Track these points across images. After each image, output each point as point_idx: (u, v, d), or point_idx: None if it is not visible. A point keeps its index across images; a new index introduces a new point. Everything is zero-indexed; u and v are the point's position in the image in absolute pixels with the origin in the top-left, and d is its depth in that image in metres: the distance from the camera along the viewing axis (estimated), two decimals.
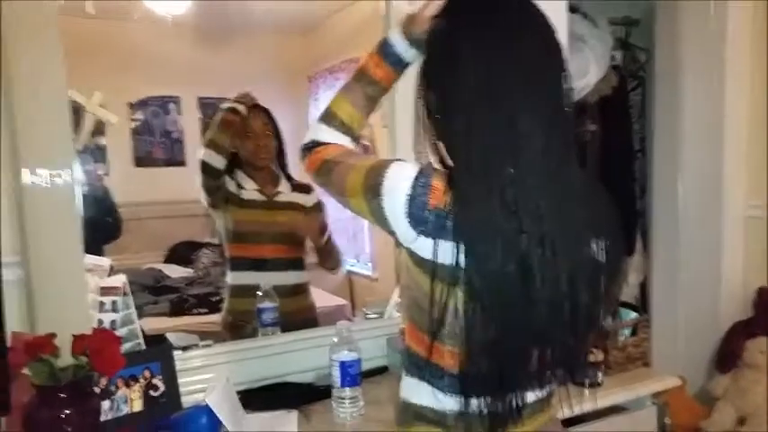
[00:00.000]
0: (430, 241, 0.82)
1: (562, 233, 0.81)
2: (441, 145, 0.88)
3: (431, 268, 0.83)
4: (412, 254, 0.86)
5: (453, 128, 0.84)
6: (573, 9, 2.17)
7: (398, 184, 0.84)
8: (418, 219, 0.82)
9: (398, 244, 0.88)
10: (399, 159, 0.89)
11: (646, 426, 1.65)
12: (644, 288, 2.56)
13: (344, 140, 1.02)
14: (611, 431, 1.55)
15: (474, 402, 0.85)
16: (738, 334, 2.00)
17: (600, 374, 1.56)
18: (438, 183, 0.83)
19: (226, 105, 1.92)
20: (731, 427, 1.91)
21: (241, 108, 1.92)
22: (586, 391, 1.51)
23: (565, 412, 0.96)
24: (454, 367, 0.86)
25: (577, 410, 0.98)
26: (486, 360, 0.82)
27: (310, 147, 1.02)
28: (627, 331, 1.69)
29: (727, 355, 2.00)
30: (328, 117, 1.04)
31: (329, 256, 2.09)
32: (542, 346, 0.85)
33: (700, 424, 1.96)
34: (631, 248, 2.49)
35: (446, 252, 0.81)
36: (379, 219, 0.87)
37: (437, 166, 0.88)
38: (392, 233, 0.87)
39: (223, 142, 1.87)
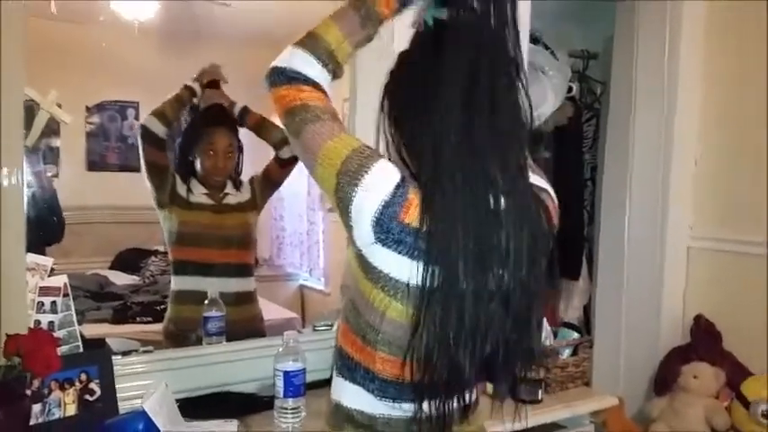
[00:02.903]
0: (385, 251, 0.81)
1: (519, 255, 0.83)
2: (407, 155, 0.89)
3: (377, 276, 0.83)
4: (360, 256, 0.85)
5: (424, 140, 0.83)
6: (534, 40, 2.26)
7: (379, 185, 0.81)
8: (383, 227, 0.80)
9: (350, 240, 0.85)
10: (383, 156, 0.86)
11: None
12: (587, 311, 2.64)
13: (324, 78, 0.88)
14: None
15: (405, 406, 0.87)
16: (675, 359, 2.07)
17: (540, 392, 1.59)
18: (413, 196, 0.81)
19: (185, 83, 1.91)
20: None
21: (196, 87, 1.91)
22: (526, 408, 1.54)
23: (506, 427, 0.98)
24: (384, 372, 0.87)
25: (516, 427, 0.99)
26: (429, 371, 0.82)
27: (288, 74, 0.87)
28: (568, 351, 1.73)
29: (664, 379, 2.06)
30: (311, 42, 0.89)
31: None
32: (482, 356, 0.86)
33: None
34: (577, 272, 2.57)
35: (400, 266, 0.81)
36: (341, 205, 0.83)
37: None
38: (348, 226, 0.84)
39: (168, 113, 1.85)
